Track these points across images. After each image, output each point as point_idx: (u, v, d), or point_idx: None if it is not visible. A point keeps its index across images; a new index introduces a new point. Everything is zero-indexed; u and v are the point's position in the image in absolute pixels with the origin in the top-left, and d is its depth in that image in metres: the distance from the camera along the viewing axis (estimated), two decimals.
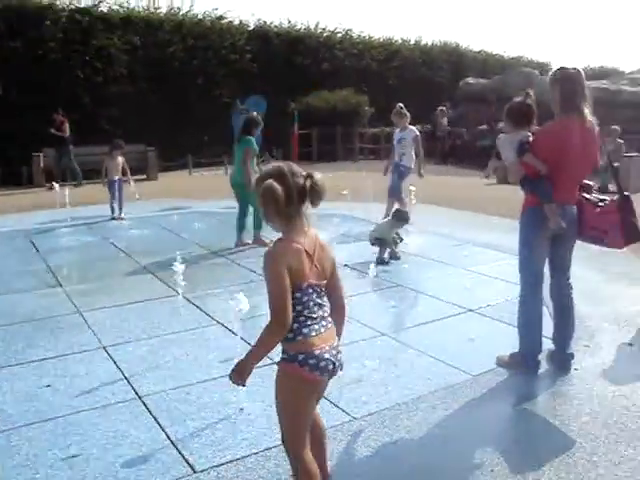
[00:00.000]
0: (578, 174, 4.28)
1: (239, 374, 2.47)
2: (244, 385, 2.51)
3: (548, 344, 4.38)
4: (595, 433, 3.43)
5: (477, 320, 5.31)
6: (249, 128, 8.16)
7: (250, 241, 8.23)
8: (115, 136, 12.00)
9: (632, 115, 17.65)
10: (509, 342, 4.38)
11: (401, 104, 9.64)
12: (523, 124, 4.26)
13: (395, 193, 9.38)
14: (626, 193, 4.30)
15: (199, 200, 12.04)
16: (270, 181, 2.41)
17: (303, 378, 2.46)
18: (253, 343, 2.46)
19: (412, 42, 27.42)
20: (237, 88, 19.23)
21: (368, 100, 21.85)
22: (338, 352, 2.55)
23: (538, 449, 3.29)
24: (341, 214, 9.86)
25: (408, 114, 9.54)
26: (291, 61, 22.21)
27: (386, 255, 7.35)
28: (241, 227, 8.30)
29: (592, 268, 6.52)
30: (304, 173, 2.47)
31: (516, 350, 4.32)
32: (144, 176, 15.92)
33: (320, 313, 2.52)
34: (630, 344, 4.79)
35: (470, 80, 23.67)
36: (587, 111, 4.13)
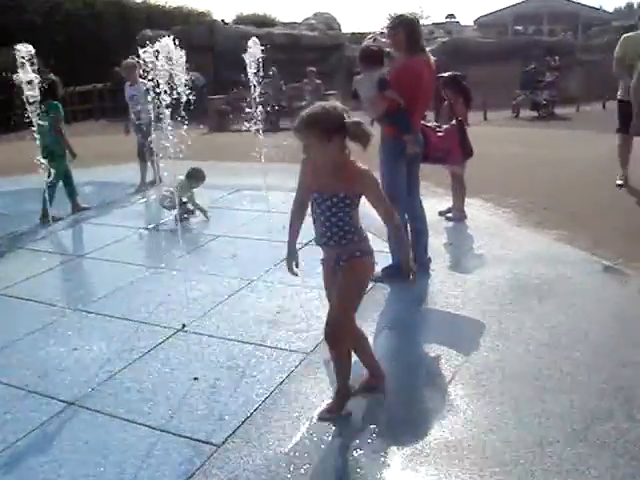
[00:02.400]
0: (426, 105, 4.96)
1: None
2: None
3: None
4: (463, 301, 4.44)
5: None
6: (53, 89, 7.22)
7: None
8: None
9: (313, 57, 19.54)
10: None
11: (133, 56, 9.23)
12: (377, 64, 4.75)
13: (145, 153, 8.90)
14: (460, 118, 5.15)
15: None
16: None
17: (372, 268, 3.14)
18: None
19: None
20: None
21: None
22: None
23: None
24: (98, 181, 9.33)
25: (138, 65, 9.13)
26: None
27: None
28: (71, 192, 7.64)
29: None
30: None
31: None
32: None
33: None
34: (450, 243, 5.79)
35: (149, 32, 23.06)
36: (427, 50, 4.80)
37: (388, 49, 4.70)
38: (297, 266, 3.33)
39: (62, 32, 22.70)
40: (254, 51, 6.44)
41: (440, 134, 5.12)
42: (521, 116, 16.83)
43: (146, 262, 5.89)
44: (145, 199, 8.52)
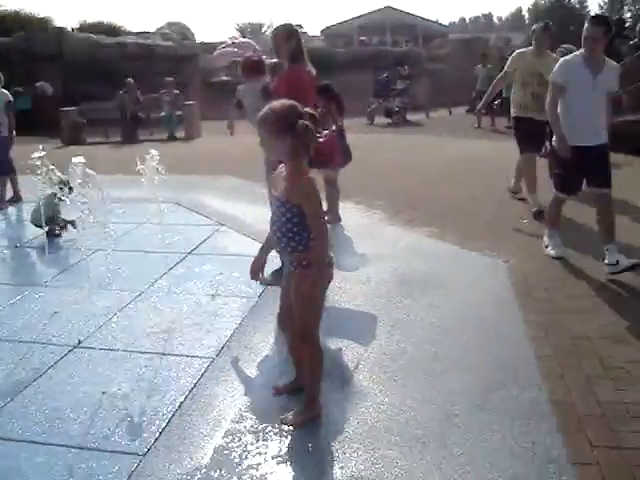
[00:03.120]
0: None
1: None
2: None
3: None
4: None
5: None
6: None
7: None
8: None
9: (168, 67, 19.24)
10: None
11: None
12: (258, 74, 4.93)
13: (5, 169, 8.46)
14: (340, 123, 5.42)
15: None
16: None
17: (326, 275, 3.05)
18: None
19: None
20: None
21: None
22: None
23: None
24: None
25: (1, 76, 8.72)
26: None
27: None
28: None
29: None
30: None
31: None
32: None
33: None
34: (330, 244, 6.03)
35: None
36: (308, 61, 5.03)
37: (275, 60, 4.88)
38: (261, 273, 3.32)
39: None
40: None
41: (321, 139, 5.36)
42: (375, 123, 17.65)
43: (23, 281, 5.62)
44: (7, 217, 8.05)
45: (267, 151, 3.09)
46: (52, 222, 6.74)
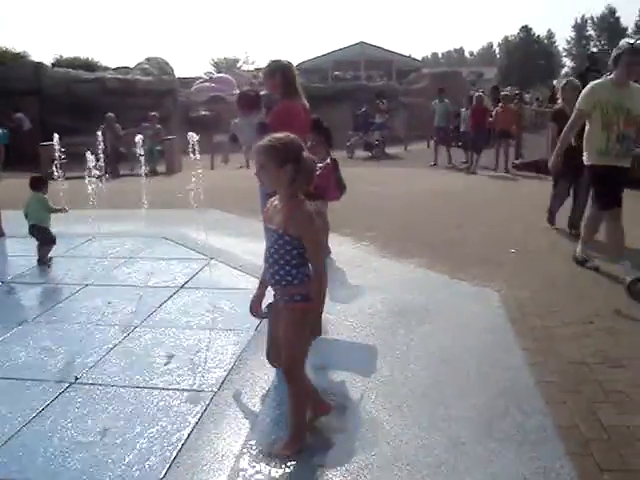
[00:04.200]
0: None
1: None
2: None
3: None
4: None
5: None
6: None
7: None
8: None
9: (148, 102, 19.33)
10: None
11: None
12: (254, 109, 5.00)
13: None
14: (333, 157, 5.50)
15: None
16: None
17: (312, 310, 3.02)
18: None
19: None
20: None
21: None
22: None
23: None
24: None
25: None
26: None
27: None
28: None
29: None
30: None
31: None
32: None
33: None
34: None
35: None
36: (303, 95, 5.12)
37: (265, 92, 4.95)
38: (259, 307, 3.35)
39: None
40: None
41: (317, 172, 5.44)
42: (355, 156, 17.87)
43: (13, 317, 5.52)
44: None
45: (266, 180, 3.04)
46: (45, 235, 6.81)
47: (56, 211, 7.02)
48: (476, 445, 3.13)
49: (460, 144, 15.54)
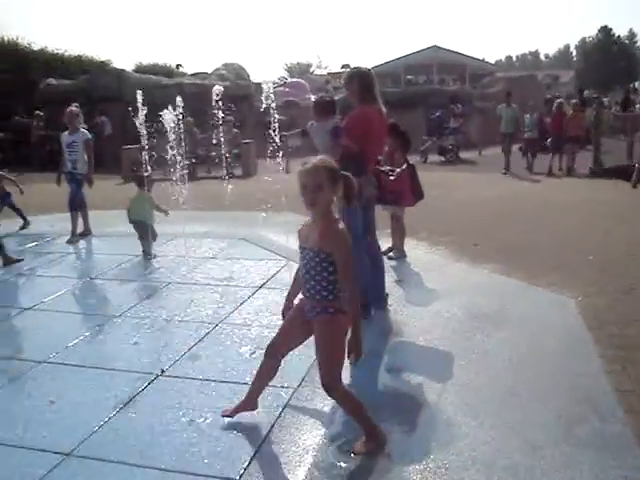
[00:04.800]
0: (378, 151, 5.35)
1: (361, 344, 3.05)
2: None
3: None
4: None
5: None
6: None
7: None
8: None
9: (225, 107, 19.80)
10: None
11: (76, 103, 9.24)
12: (330, 114, 5.12)
13: (78, 204, 8.81)
14: (411, 162, 5.58)
15: None
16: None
17: (346, 324, 3.10)
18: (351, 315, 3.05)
19: None
20: None
21: None
22: None
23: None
24: (23, 233, 9.19)
25: (81, 114, 9.17)
26: None
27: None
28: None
29: None
30: None
31: None
32: None
33: None
34: (400, 280, 6.15)
35: (52, 81, 22.70)
36: (380, 101, 5.21)
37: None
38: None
39: None
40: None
41: (392, 177, 5.54)
42: (429, 161, 17.80)
43: (101, 312, 5.85)
44: (79, 250, 8.41)
45: (311, 198, 3.08)
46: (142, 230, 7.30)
47: (160, 210, 7.40)
48: (553, 449, 3.15)
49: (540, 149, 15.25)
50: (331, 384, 3.14)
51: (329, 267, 3.07)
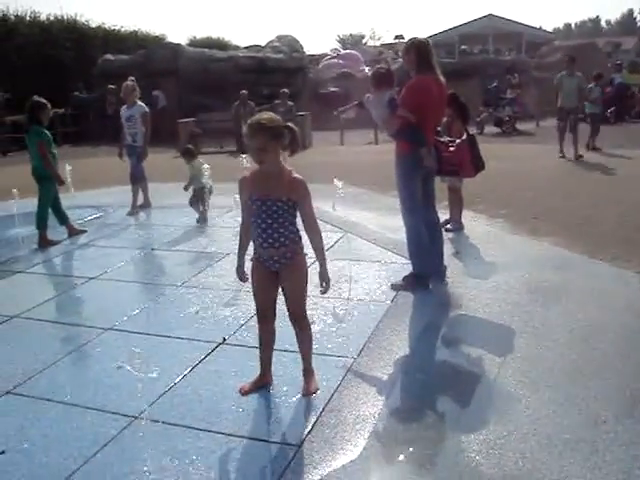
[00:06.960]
0: (437, 121, 5.29)
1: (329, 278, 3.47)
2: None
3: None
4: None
5: None
6: (37, 114, 7.32)
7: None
8: None
9: (282, 79, 19.93)
10: None
11: (132, 77, 9.37)
12: (386, 85, 5.07)
13: (138, 177, 9.01)
14: (472, 133, 5.49)
15: None
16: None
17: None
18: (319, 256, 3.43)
19: (28, 18, 25.37)
20: None
21: None
22: None
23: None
24: (87, 205, 9.38)
25: (138, 88, 9.28)
26: None
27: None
28: (62, 217, 7.70)
29: None
30: None
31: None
32: None
33: None
34: (457, 252, 6.09)
35: (110, 57, 23.10)
36: (438, 70, 5.13)
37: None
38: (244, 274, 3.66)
39: (19, 57, 22.54)
40: None
41: (452, 148, 5.47)
42: (485, 132, 17.46)
43: (164, 280, 6.00)
44: (140, 222, 8.62)
45: (257, 158, 3.27)
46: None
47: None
48: (617, 425, 3.12)
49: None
50: (303, 313, 3.58)
51: (294, 213, 3.33)
